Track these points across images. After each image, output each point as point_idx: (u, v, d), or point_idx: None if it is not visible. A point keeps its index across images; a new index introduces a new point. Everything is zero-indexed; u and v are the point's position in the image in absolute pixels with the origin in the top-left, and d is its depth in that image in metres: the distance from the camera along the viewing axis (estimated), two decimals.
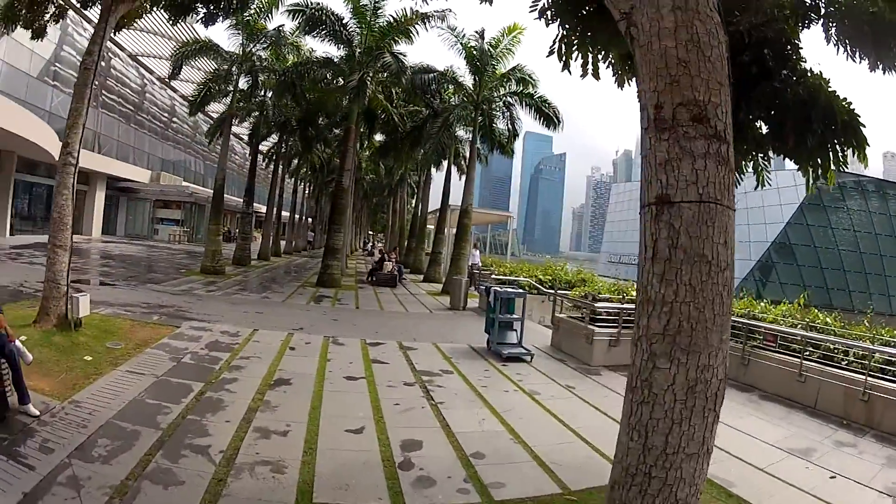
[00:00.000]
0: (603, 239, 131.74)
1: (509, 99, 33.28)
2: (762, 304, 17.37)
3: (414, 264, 46.97)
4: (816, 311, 16.17)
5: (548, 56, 7.78)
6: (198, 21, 19.06)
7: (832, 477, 8.62)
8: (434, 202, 50.64)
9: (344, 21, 30.45)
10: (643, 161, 4.86)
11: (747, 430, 10.37)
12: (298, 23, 30.55)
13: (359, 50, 31.02)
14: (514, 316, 16.42)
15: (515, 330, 16.21)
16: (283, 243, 59.16)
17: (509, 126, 34.07)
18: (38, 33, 18.33)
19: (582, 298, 17.92)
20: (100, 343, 11.99)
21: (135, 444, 7.32)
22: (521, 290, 17.63)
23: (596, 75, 8.14)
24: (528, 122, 33.93)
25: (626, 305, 16.41)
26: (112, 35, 41.96)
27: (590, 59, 7.91)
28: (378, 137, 46.74)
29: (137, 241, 55.91)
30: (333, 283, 30.47)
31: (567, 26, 7.61)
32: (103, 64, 48.44)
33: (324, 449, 7.91)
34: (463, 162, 44.69)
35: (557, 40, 7.63)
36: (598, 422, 10.55)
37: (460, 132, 39.70)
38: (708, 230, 4.49)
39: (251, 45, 33.13)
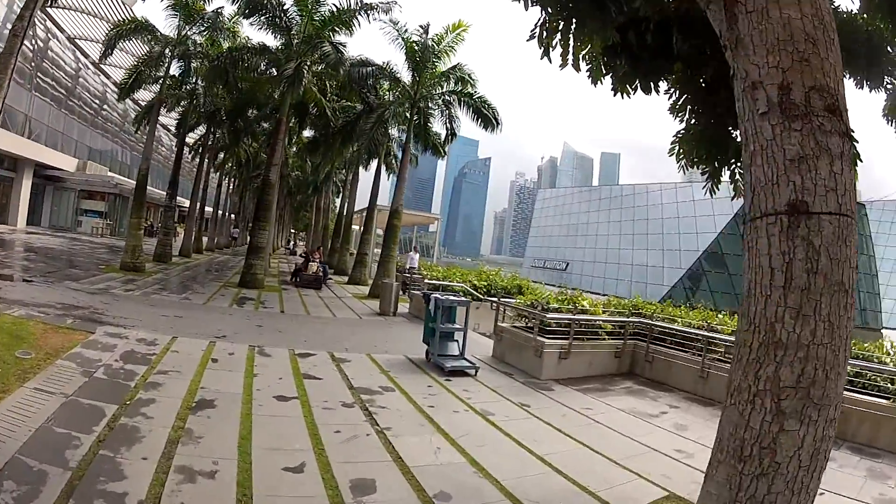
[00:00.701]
0: (527, 244, 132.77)
1: (448, 98, 32.48)
2: (719, 315, 17.01)
3: (338, 265, 46.03)
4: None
5: (528, 40, 7.24)
6: None
7: None
8: (360, 202, 50.10)
9: (284, 6, 29.41)
10: (750, 156, 3.89)
11: None
12: (238, 6, 29.53)
13: (297, 39, 30.00)
14: (457, 326, 15.48)
15: (457, 340, 15.24)
16: (205, 240, 57.59)
17: (447, 125, 33.16)
18: None
19: (529, 308, 16.78)
20: (9, 351, 10.56)
21: (42, 490, 5.98)
22: (464, 298, 16.73)
23: (577, 66, 7.66)
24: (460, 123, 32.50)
25: (578, 316, 15.73)
26: (51, 10, 41.04)
27: (570, 49, 7.35)
28: (307, 134, 46.37)
29: (61, 233, 52.91)
30: (257, 283, 29.30)
31: (550, 10, 7.10)
32: (40, 45, 48.78)
33: (261, 494, 6.61)
34: (394, 161, 44.32)
35: (539, 25, 7.13)
36: (564, 446, 9.62)
37: (392, 131, 39.32)
38: (846, 251, 3.44)
39: (187, 28, 31.81)
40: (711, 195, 8.59)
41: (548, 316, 15.25)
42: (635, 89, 8.20)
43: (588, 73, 7.98)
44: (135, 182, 36.49)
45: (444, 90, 32.53)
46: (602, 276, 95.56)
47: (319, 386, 11.58)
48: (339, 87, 35.94)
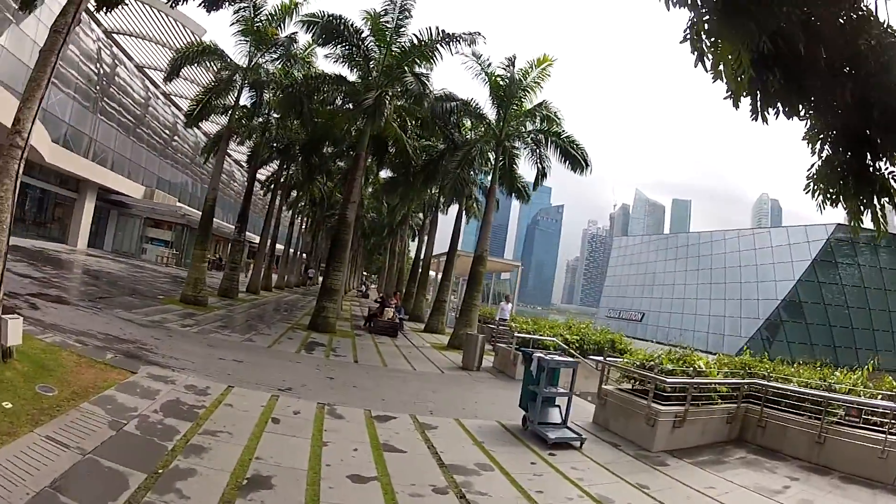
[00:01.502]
0: (602, 293, 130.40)
1: (537, 136, 30.36)
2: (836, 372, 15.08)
3: (414, 311, 43.59)
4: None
5: (681, 42, 6.39)
6: (199, 5, 18.25)
7: None
8: (436, 248, 48.97)
9: (362, 35, 27.76)
10: None
11: None
12: (312, 36, 28.20)
13: (375, 72, 28.41)
14: (561, 390, 13.43)
15: (559, 406, 13.13)
16: (275, 277, 56.05)
17: (538, 165, 30.69)
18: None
19: (642, 369, 14.60)
20: (29, 384, 8.91)
21: None
22: (570, 359, 14.49)
23: (723, 76, 6.37)
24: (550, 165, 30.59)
25: (696, 380, 13.65)
26: (118, 37, 41.10)
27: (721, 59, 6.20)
28: (383, 175, 44.78)
29: (123, 258, 52.88)
30: (328, 327, 27.12)
31: (695, 8, 6.28)
32: (106, 70, 50.16)
33: None
34: (475, 205, 42.51)
35: (689, 26, 6.34)
36: None
37: (472, 173, 37.31)
38: None
39: (258, 55, 30.53)
40: (855, 234, 8.27)
41: (668, 381, 13.11)
42: (777, 114, 6.99)
43: (728, 94, 6.60)
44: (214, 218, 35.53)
45: (530, 129, 30.75)
46: (679, 326, 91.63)
47: (403, 461, 9.46)
48: (420, 124, 34.05)
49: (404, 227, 62.68)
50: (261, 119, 37.77)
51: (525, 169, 33.86)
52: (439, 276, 46.10)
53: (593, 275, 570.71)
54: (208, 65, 31.20)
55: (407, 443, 10.51)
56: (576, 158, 29.64)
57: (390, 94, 27.84)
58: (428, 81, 28.55)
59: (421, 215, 59.17)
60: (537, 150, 30.51)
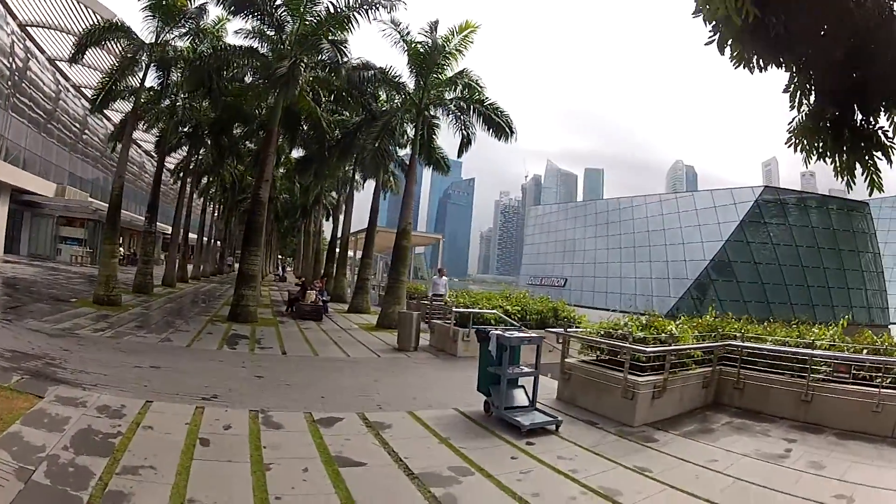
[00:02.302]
0: (522, 261, 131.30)
1: (460, 104, 29.16)
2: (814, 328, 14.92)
3: (335, 292, 41.85)
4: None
5: (693, 15, 5.65)
6: None
7: None
8: (353, 225, 48.16)
9: (275, 3, 26.18)
10: None
11: None
12: (224, 5, 26.61)
13: (288, 43, 26.96)
14: (525, 368, 12.10)
15: (523, 386, 11.88)
16: (190, 268, 54.90)
17: (463, 132, 29.30)
18: None
19: (608, 338, 13.55)
20: None
21: None
22: (534, 334, 13.27)
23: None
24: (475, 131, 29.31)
25: (675, 347, 12.63)
26: (32, 30, 39.67)
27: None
28: (296, 154, 43.85)
29: (38, 261, 50.38)
30: (249, 316, 25.71)
31: None
32: (19, 64, 47.74)
33: None
34: (392, 179, 41.44)
35: None
36: None
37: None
38: None
39: (166, 30, 28.47)
40: (849, 188, 7.77)
41: (648, 350, 11.90)
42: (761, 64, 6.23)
43: (711, 38, 5.86)
44: (125, 210, 33.85)
45: (452, 97, 29.54)
46: (604, 290, 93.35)
47: (366, 478, 7.80)
48: (335, 98, 32.95)
49: (318, 207, 62.57)
50: (168, 101, 35.78)
51: (444, 140, 32.46)
52: (359, 255, 45.58)
53: (507, 244, 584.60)
54: (115, 46, 29.59)
55: (363, 451, 8.90)
56: (500, 126, 28.66)
57: (305, 62, 26.73)
58: (345, 49, 27.31)
59: (334, 194, 57.99)
60: (461, 117, 29.18)
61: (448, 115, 29.73)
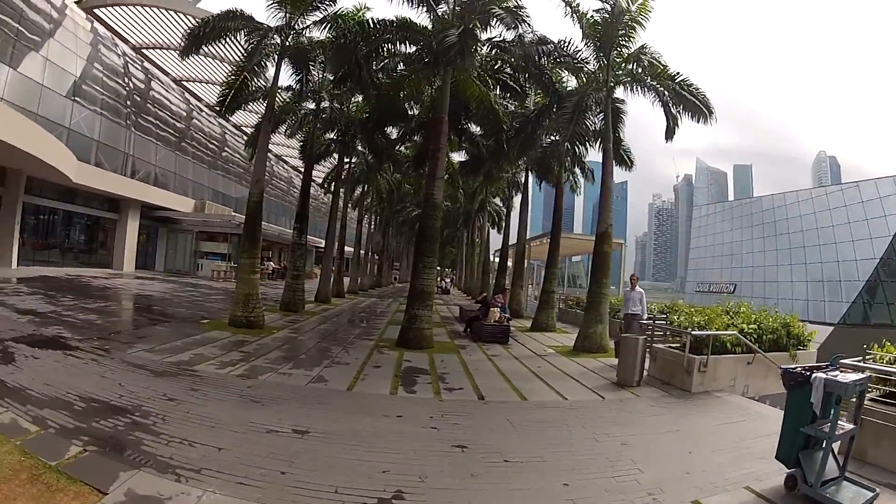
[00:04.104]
0: (688, 266, 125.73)
1: (655, 83, 23.81)
2: None
3: (511, 307, 35.22)
4: None
5: None
6: None
7: None
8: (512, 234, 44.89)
9: None
10: None
11: None
12: None
13: (454, 6, 22.58)
14: (846, 426, 8.43)
15: (831, 448, 8.13)
16: (346, 282, 51.69)
17: (668, 112, 23.96)
18: None
19: None
20: None
21: None
22: (863, 375, 8.63)
23: None
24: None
25: None
26: (148, 52, 40.05)
27: None
28: (456, 158, 39.44)
29: (175, 277, 49.03)
30: (423, 341, 20.80)
31: None
32: (138, 85, 49.96)
33: None
34: (571, 177, 36.41)
35: None
36: None
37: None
38: None
39: (296, 19, 24.53)
40: None
41: None
42: None
43: None
44: (267, 224, 30.87)
45: (642, 73, 24.20)
46: (774, 296, 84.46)
47: None
48: (503, 86, 27.90)
49: (483, 213, 58.22)
50: (312, 103, 32.76)
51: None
52: (524, 264, 42.34)
53: (662, 249, 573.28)
54: (236, 39, 25.67)
55: None
56: (696, 105, 23.42)
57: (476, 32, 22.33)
58: (523, 16, 22.25)
59: (498, 200, 56.87)
60: (661, 100, 23.85)
61: (638, 94, 24.66)
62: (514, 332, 26.55)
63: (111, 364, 12.44)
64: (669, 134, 24.53)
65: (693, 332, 16.02)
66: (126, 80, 47.27)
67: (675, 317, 20.10)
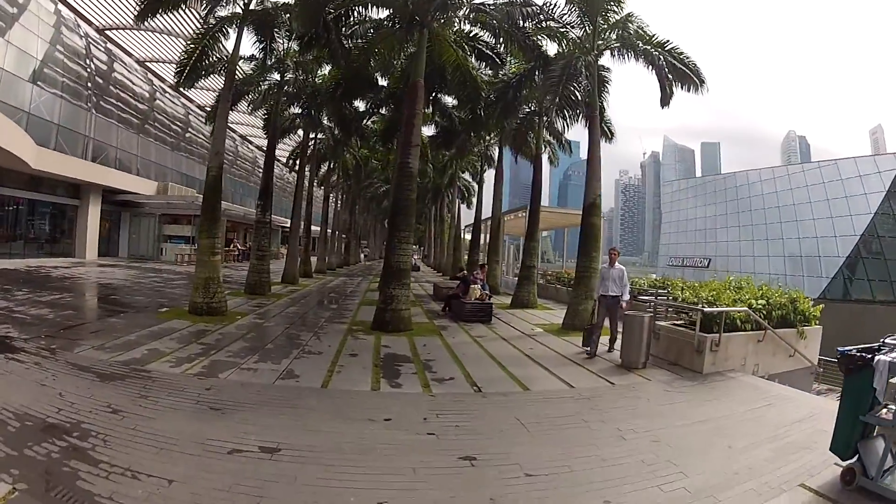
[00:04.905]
0: (660, 241, 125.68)
1: (650, 48, 22.31)
2: None
3: (490, 283, 33.16)
4: None
5: None
6: None
7: None
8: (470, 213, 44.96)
9: None
10: None
11: None
12: None
13: None
14: None
15: (882, 436, 7.46)
16: (314, 261, 50.27)
17: (666, 79, 22.51)
18: None
19: None
20: None
21: None
22: None
23: None
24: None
25: None
26: (112, 34, 37.16)
27: None
28: (426, 132, 36.97)
29: (139, 262, 48.25)
30: (402, 323, 19.19)
31: None
32: (102, 66, 48.80)
33: None
34: (548, 148, 35.03)
35: None
36: None
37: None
38: None
39: None
40: None
41: None
42: None
43: None
44: (230, 204, 29.52)
45: (633, 40, 22.71)
46: (751, 270, 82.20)
47: None
48: (478, 54, 26.31)
49: (453, 188, 57.84)
50: (276, 73, 31.47)
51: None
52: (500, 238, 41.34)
53: (629, 224, 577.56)
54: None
55: None
56: (686, 74, 22.26)
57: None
58: None
59: (468, 175, 57.05)
60: (653, 67, 22.43)
61: (626, 60, 23.22)
62: (494, 310, 25.03)
63: (54, 368, 10.76)
64: (665, 100, 23.18)
65: (704, 309, 14.77)
66: (88, 61, 46.06)
67: (679, 292, 19.14)
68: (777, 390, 12.83)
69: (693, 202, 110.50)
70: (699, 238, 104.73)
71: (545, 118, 30.44)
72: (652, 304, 19.03)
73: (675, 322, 16.50)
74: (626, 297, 16.87)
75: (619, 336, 15.62)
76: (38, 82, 39.18)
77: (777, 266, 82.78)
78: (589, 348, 15.96)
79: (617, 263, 16.92)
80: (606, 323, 16.60)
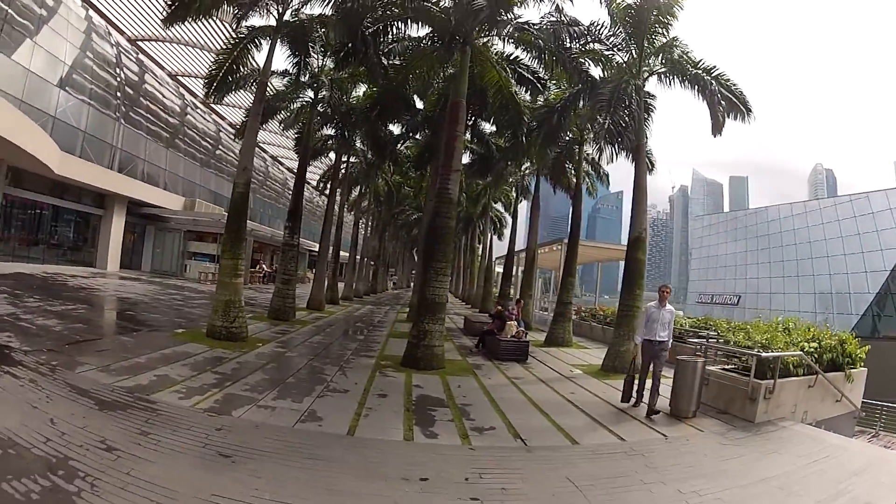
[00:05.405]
0: (689, 277, 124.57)
1: (700, 73, 21.09)
2: None
3: (523, 318, 32.17)
4: None
5: None
6: None
7: None
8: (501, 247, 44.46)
9: None
10: None
11: None
12: None
13: None
14: None
15: None
16: (341, 287, 49.29)
17: (719, 109, 21.04)
18: None
19: None
20: None
21: None
22: None
23: None
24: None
25: None
26: (144, 45, 37.14)
27: None
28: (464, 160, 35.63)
29: (161, 278, 46.97)
30: (434, 360, 17.77)
31: None
32: (130, 76, 47.87)
33: None
34: (587, 179, 33.44)
35: None
36: None
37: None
38: None
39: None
40: None
41: None
42: None
43: None
44: (259, 225, 29.17)
45: (680, 64, 21.53)
46: (782, 308, 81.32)
47: None
48: (518, 78, 25.44)
49: (486, 218, 56.56)
50: (310, 91, 30.18)
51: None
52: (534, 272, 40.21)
53: (656, 260, 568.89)
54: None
55: None
56: (733, 102, 21.02)
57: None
58: None
59: (500, 206, 56.73)
60: (706, 92, 21.05)
61: (673, 87, 22.06)
62: (529, 347, 23.51)
63: (50, 388, 9.75)
64: (718, 128, 21.70)
65: (761, 354, 13.78)
66: (118, 70, 45.63)
67: (730, 335, 18.18)
68: (831, 440, 12.23)
69: (723, 237, 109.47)
70: (728, 275, 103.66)
71: (586, 147, 29.57)
72: (702, 347, 17.80)
73: (725, 367, 15.44)
74: (669, 342, 14.77)
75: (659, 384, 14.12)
76: (66, 87, 38.64)
77: (807, 303, 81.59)
78: (631, 401, 14.36)
79: (668, 306, 14.73)
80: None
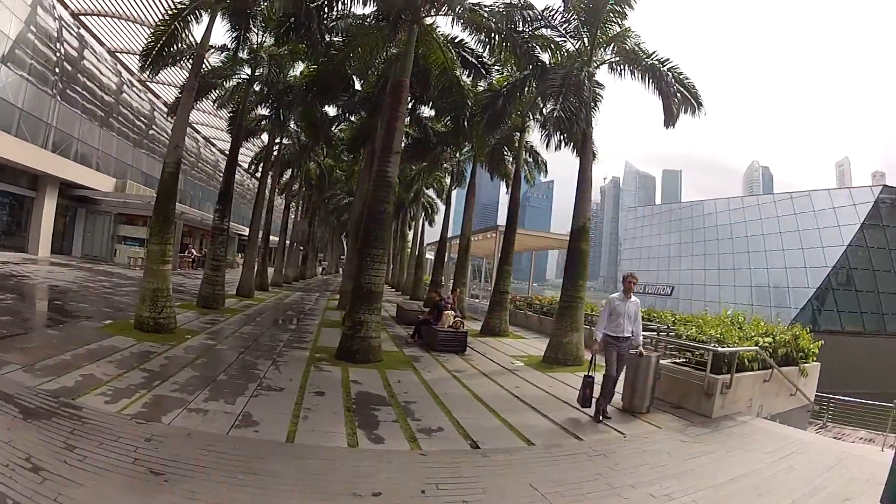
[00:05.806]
0: (618, 266, 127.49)
1: (656, 63, 20.79)
2: None
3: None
4: None
5: None
6: None
7: None
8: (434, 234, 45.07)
9: None
10: None
11: None
12: None
13: None
14: None
15: None
16: (270, 272, 48.77)
17: (673, 99, 20.79)
18: None
19: None
20: None
21: None
22: None
23: None
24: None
25: None
26: (86, 19, 33.94)
27: None
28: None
29: (91, 263, 46.08)
30: (371, 353, 17.12)
31: None
32: (69, 51, 46.10)
33: None
34: (526, 167, 33.63)
35: None
36: None
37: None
38: None
39: None
40: None
41: None
42: None
43: None
44: (188, 208, 28.30)
45: (633, 53, 21.38)
46: (717, 300, 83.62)
47: None
48: (462, 62, 24.85)
49: (417, 204, 56.96)
50: (248, 67, 29.62)
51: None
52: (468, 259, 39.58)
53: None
54: None
55: None
56: (685, 96, 21.12)
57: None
58: None
59: (432, 192, 56.98)
60: (660, 83, 20.78)
61: (624, 77, 21.99)
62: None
63: None
64: (671, 121, 21.49)
65: (718, 349, 13.70)
66: (59, 45, 44.12)
67: (682, 328, 17.55)
68: (792, 434, 12.63)
69: (656, 229, 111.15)
70: (661, 266, 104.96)
71: (527, 134, 29.74)
72: (653, 341, 17.59)
73: (676, 360, 15.38)
74: (640, 339, 13.57)
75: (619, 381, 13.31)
76: (8, 63, 37.56)
77: (743, 296, 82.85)
78: (594, 413, 12.51)
79: (634, 298, 13.62)
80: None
